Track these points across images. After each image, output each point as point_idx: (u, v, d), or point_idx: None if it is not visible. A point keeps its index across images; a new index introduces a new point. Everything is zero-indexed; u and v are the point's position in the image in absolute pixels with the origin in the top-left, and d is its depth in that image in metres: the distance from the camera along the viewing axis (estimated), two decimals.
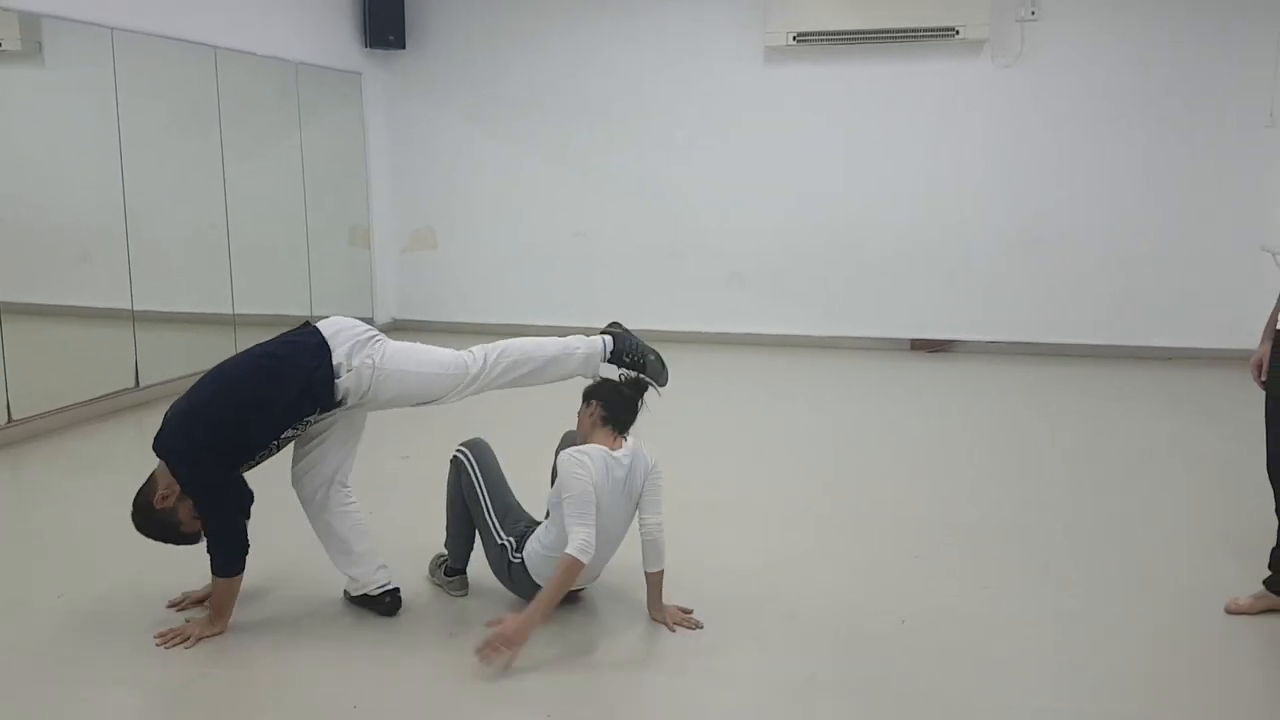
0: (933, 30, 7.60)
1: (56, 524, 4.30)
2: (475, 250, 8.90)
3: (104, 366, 6.07)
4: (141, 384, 6.25)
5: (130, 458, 5.39)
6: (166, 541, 3.22)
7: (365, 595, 3.42)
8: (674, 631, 3.28)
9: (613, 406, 3.31)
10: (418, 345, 3.34)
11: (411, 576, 3.62)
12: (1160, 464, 5.20)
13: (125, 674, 3.05)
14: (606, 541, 3.24)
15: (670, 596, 3.39)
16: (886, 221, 8.03)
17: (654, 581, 3.34)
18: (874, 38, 7.75)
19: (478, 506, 3.42)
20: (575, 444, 3.32)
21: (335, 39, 8.18)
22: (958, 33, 7.54)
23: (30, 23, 5.49)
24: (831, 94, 8.00)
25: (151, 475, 3.18)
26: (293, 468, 3.40)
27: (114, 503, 4.52)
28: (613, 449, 3.25)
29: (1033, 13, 7.54)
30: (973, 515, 4.40)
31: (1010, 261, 7.88)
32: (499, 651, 2.97)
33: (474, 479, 3.44)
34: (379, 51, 8.56)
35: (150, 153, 6.25)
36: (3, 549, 4.05)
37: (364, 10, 8.37)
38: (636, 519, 3.32)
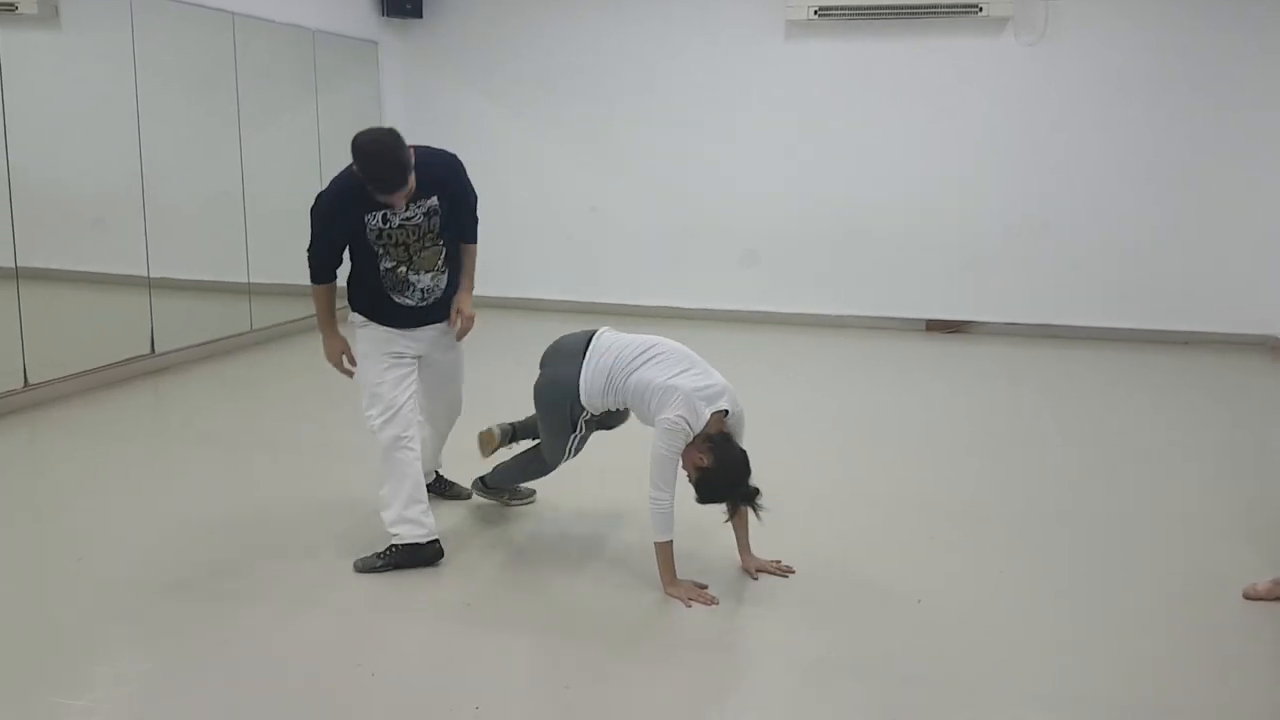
0: (957, 6, 7.51)
1: (73, 488, 4.31)
2: (489, 223, 8.65)
3: (120, 333, 6.07)
4: (157, 350, 6.26)
5: (144, 423, 5.42)
6: (387, 175, 3.28)
7: (415, 544, 3.51)
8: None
9: (730, 468, 3.27)
10: None
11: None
12: (1177, 448, 5.16)
13: (143, 637, 3.06)
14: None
15: (684, 572, 3.39)
16: (905, 200, 7.97)
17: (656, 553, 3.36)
18: (897, 12, 7.66)
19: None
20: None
21: (353, 7, 8.13)
22: (981, 9, 7.46)
23: None
24: (852, 70, 7.92)
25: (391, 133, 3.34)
26: (431, 401, 3.84)
27: (129, 468, 4.55)
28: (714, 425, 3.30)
29: None
30: (989, 497, 4.39)
31: (1028, 243, 7.82)
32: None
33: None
34: (396, 20, 8.50)
35: (167, 119, 6.23)
36: (21, 513, 4.07)
37: None
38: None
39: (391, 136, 3.31)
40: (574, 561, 3.64)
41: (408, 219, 3.47)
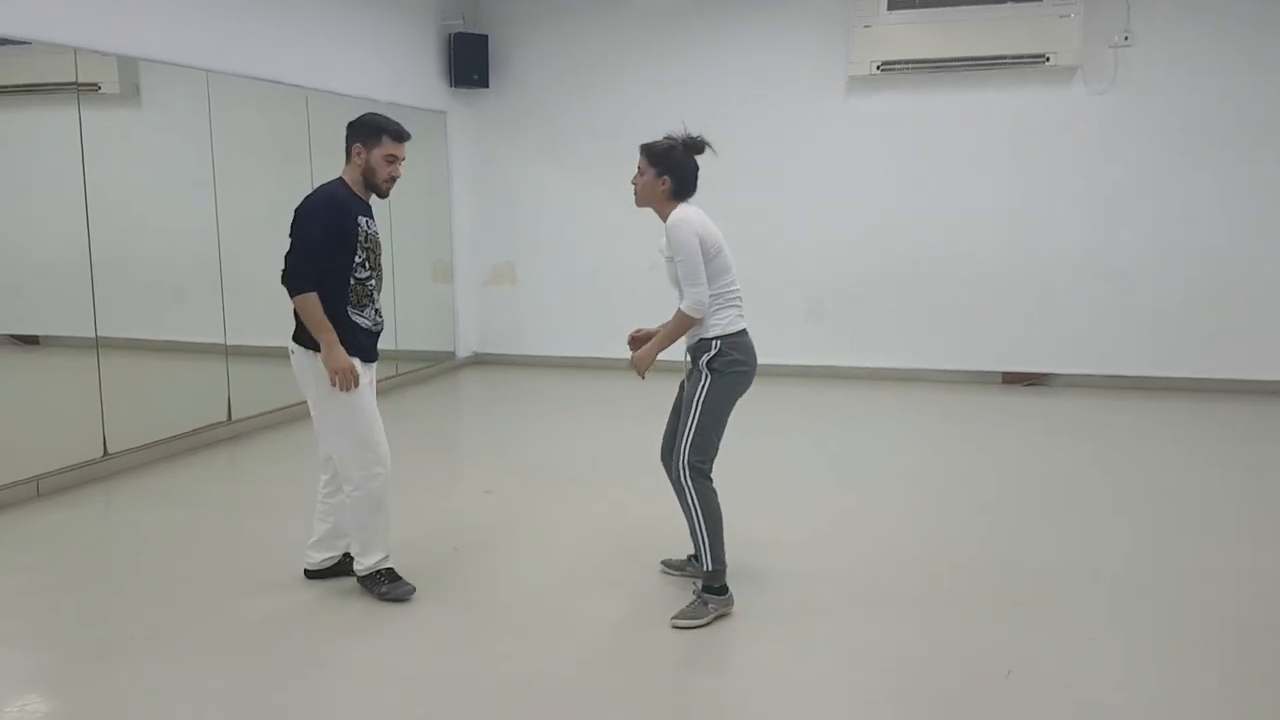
0: (1022, 57, 7.43)
1: (149, 559, 4.35)
2: (555, 284, 8.93)
3: (197, 401, 6.19)
4: (234, 418, 6.36)
5: (221, 491, 5.48)
6: (402, 125, 3.79)
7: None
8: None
9: (683, 183, 3.61)
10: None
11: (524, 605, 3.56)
12: (1273, 507, 4.92)
13: (216, 712, 3.04)
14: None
15: (768, 626, 3.27)
16: (976, 251, 7.84)
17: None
18: (961, 65, 7.60)
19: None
20: None
21: (422, 79, 8.33)
22: (1048, 59, 7.37)
23: (128, 66, 5.66)
24: (916, 123, 7.86)
25: None
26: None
27: (206, 536, 4.58)
28: None
29: (1126, 38, 7.34)
30: (1076, 560, 4.20)
31: (1105, 292, 7.62)
32: (637, 368, 3.74)
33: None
34: (463, 91, 8.69)
35: (244, 191, 6.40)
36: (96, 583, 4.10)
37: (449, 51, 8.52)
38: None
39: None
40: (631, 627, 3.55)
41: (376, 232, 3.80)
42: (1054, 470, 5.63)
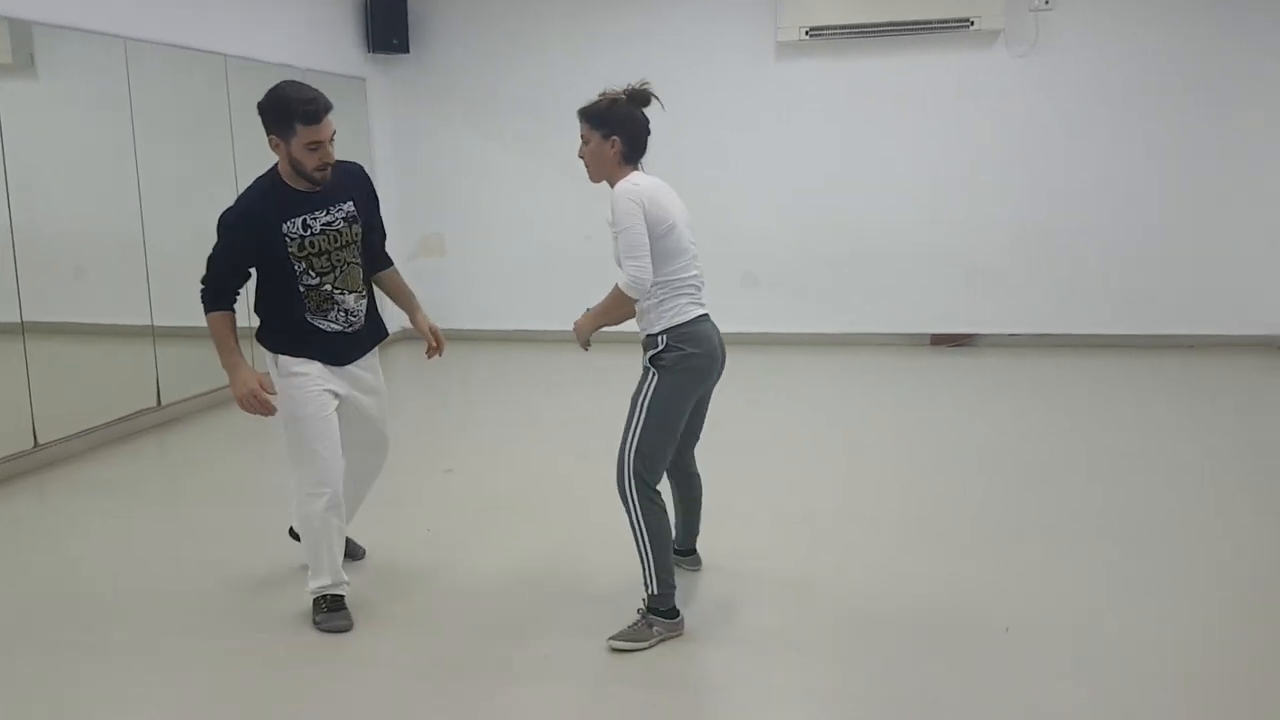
0: (947, 21, 7.54)
1: (91, 553, 4.13)
2: (484, 256, 8.76)
3: (126, 386, 5.88)
4: (163, 403, 6.08)
5: (153, 480, 5.24)
6: (317, 94, 3.23)
7: (341, 596, 3.44)
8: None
9: (635, 141, 3.24)
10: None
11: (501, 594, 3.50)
12: (1205, 452, 5.16)
13: (173, 708, 2.91)
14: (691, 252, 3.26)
15: (736, 605, 3.28)
16: (903, 215, 7.97)
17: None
18: (888, 30, 7.68)
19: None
20: None
21: (339, 44, 8.02)
22: (972, 24, 7.49)
23: (21, 30, 5.18)
24: (845, 88, 7.92)
25: None
26: (353, 453, 3.46)
27: (144, 528, 4.38)
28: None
29: (1047, 2, 7.50)
30: (1040, 515, 4.32)
31: (1030, 253, 7.84)
32: (577, 336, 3.39)
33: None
34: (382, 56, 8.40)
35: (165, 164, 6.07)
36: (43, 582, 3.86)
37: (367, 14, 8.22)
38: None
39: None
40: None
41: (328, 224, 3.27)
42: (997, 429, 5.78)
